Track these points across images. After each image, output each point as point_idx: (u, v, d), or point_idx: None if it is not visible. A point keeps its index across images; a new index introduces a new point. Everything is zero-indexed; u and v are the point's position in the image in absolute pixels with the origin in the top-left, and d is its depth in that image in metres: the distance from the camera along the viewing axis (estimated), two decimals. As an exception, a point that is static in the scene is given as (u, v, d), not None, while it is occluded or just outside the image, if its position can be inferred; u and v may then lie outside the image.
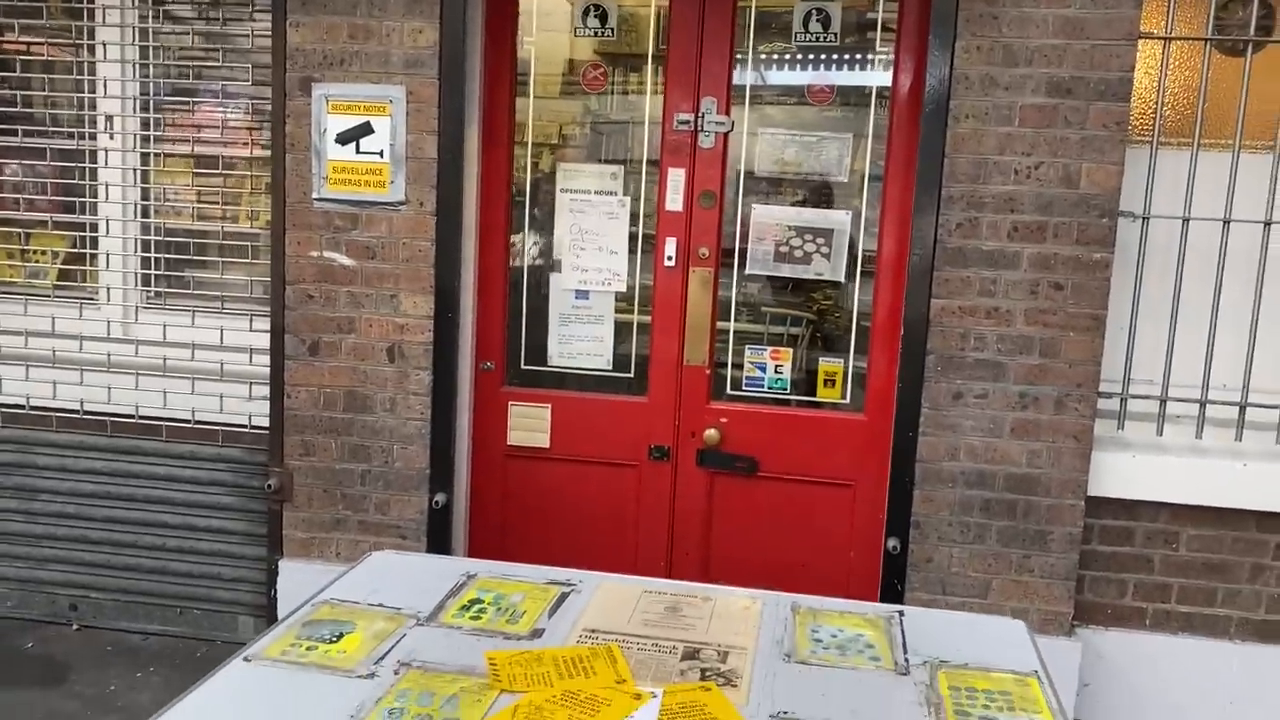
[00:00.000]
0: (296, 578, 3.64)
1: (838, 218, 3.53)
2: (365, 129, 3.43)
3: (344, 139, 3.44)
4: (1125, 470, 3.27)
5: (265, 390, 3.63)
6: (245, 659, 1.76)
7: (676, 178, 3.58)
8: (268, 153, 3.57)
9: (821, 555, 3.62)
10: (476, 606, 2.02)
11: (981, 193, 3.19)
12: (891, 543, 3.39)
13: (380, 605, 2.00)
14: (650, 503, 3.73)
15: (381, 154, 3.44)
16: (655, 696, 1.69)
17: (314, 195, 3.49)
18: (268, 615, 3.69)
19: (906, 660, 1.87)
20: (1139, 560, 3.34)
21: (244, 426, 3.67)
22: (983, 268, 3.22)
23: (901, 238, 3.40)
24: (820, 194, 3.57)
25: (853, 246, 3.51)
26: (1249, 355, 3.26)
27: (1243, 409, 3.26)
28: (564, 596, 2.09)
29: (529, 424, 3.75)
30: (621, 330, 3.71)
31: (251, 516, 3.69)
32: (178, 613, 3.76)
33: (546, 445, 3.74)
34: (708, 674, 1.78)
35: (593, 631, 1.94)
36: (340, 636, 1.86)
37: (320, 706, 1.62)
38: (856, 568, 3.58)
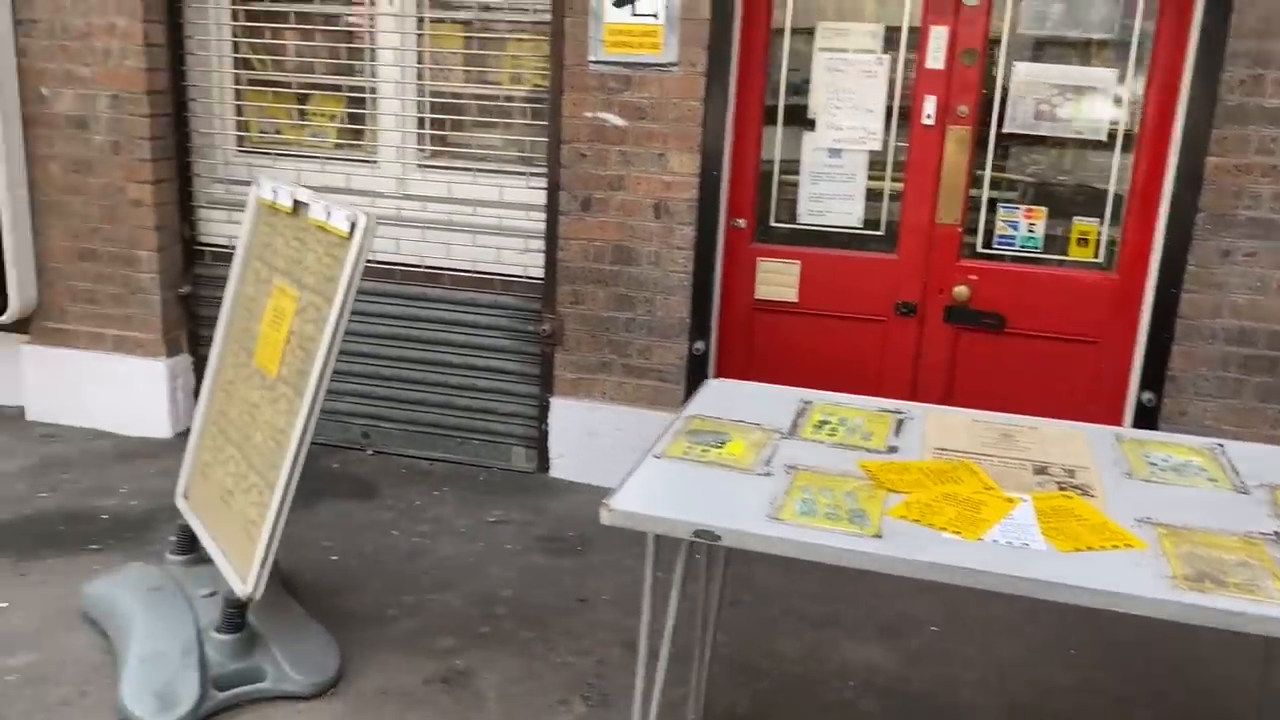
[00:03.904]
0: (566, 414, 4.00)
1: (1102, 76, 3.53)
2: (641, -9, 3.58)
3: (620, 2, 3.60)
4: (1398, 330, 3.28)
5: (540, 244, 3.92)
6: (655, 455, 2.06)
7: (939, 36, 3.63)
8: (541, 17, 3.78)
9: (1064, 408, 3.72)
10: (827, 426, 2.26)
11: (1268, 49, 3.16)
12: (1145, 396, 3.51)
13: (741, 421, 2.26)
14: (894, 357, 3.91)
15: (656, 16, 3.59)
16: (1025, 501, 1.91)
17: (590, 58, 3.68)
18: (539, 446, 4.08)
19: (1243, 482, 2.03)
20: (1402, 420, 3.38)
21: (519, 276, 3.99)
22: (1263, 125, 3.21)
23: (1169, 96, 3.39)
24: (1085, 52, 3.57)
25: (1116, 106, 3.52)
26: None
27: None
28: (900, 422, 2.32)
29: (777, 279, 3.96)
30: (871, 189, 3.83)
31: (525, 358, 4.04)
32: (458, 442, 4.18)
33: (794, 300, 3.95)
34: (1063, 486, 1.99)
35: (942, 449, 2.16)
36: (724, 443, 2.13)
37: (740, 491, 1.90)
38: (1100, 420, 3.70)
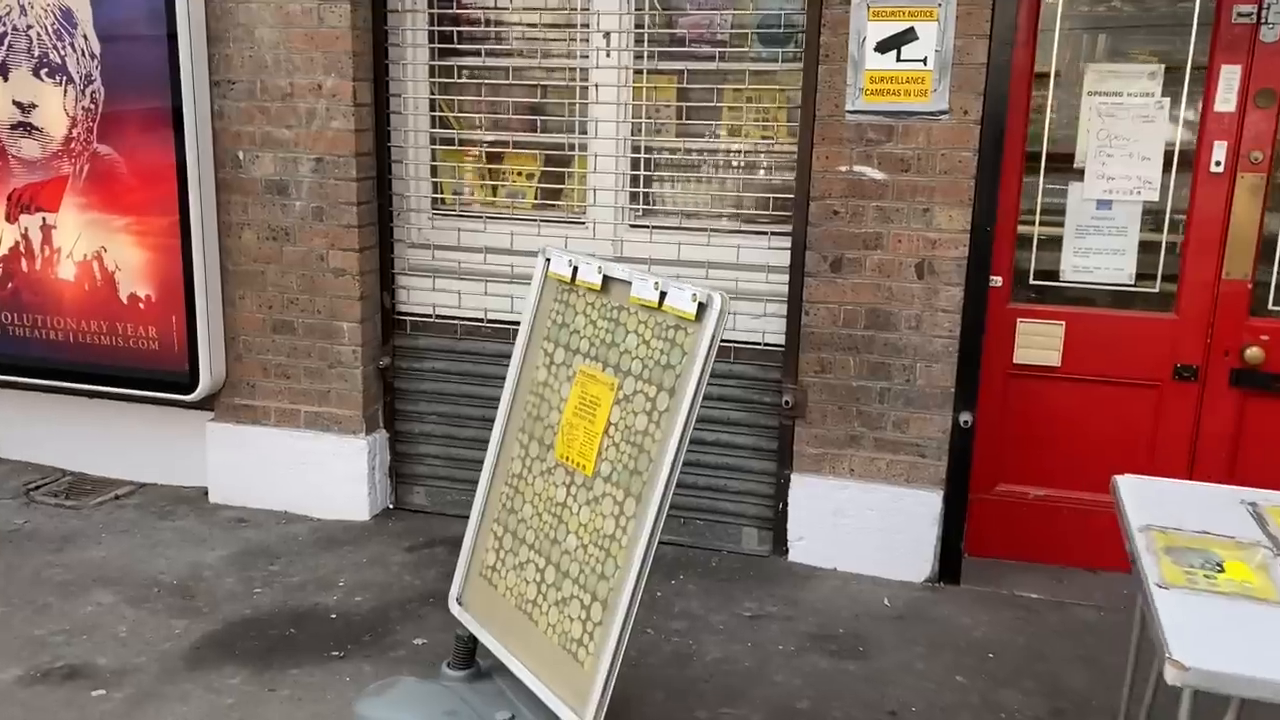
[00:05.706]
0: (808, 492, 3.67)
1: None
2: (908, 35, 3.30)
3: (884, 47, 3.32)
4: None
5: (780, 308, 3.62)
6: (1158, 585, 1.73)
7: (1230, 76, 3.33)
8: (790, 66, 3.51)
9: (1376, 482, 3.39)
10: (1313, 538, 1.93)
11: None
12: None
13: (1206, 533, 1.93)
14: (1170, 425, 3.57)
15: (925, 61, 3.31)
16: None
17: (847, 108, 3.40)
18: (774, 527, 3.75)
19: None
20: None
21: (755, 344, 3.68)
22: None
23: None
24: (1398, 89, 3.25)
25: None
26: None
27: None
28: (1383, 527, 1.98)
29: (1038, 341, 3.63)
30: (1145, 242, 3.51)
31: (760, 432, 3.73)
32: (680, 523, 3.86)
33: (1056, 364, 3.62)
34: None
35: None
36: (1220, 566, 1.80)
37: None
38: None
